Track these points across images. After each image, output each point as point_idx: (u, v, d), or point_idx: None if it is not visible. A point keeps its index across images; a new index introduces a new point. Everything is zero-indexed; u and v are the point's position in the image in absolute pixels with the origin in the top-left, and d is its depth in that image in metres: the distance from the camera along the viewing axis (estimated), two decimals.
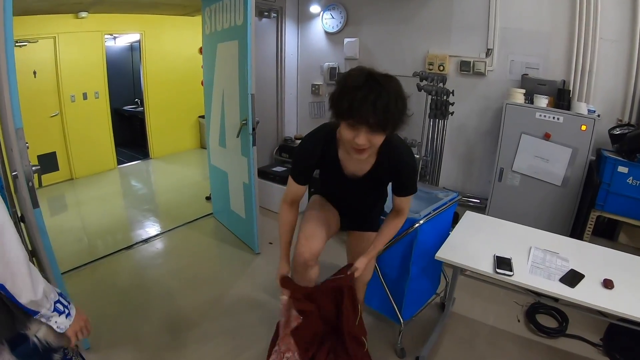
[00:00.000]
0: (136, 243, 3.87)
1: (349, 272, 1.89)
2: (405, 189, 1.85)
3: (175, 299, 3.04)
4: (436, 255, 2.13)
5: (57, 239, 3.83)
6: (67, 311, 1.33)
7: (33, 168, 2.02)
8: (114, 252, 3.68)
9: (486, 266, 2.05)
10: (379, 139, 1.52)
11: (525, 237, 2.41)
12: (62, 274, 3.16)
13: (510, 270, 2.00)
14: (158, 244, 3.91)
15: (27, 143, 1.97)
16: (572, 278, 1.97)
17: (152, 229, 4.23)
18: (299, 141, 4.36)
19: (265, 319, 2.74)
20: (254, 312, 2.87)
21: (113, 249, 3.73)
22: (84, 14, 5.34)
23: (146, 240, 3.93)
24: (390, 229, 1.97)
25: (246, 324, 2.73)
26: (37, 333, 1.28)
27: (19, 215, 2.03)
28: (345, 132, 1.53)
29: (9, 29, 1.83)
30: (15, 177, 1.95)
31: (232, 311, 2.88)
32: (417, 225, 2.28)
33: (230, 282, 3.26)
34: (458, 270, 2.47)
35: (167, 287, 3.18)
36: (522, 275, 2.00)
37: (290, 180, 1.93)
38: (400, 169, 1.77)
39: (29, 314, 1.24)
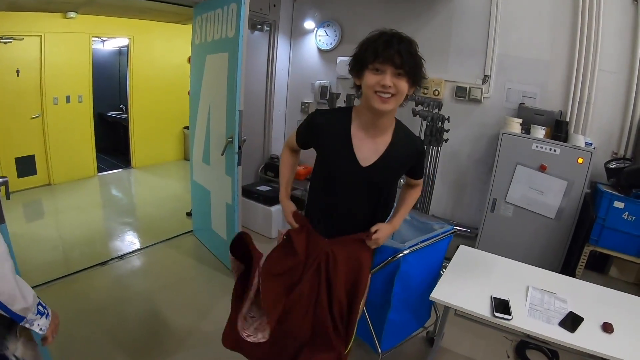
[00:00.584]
0: (112, 259, 3.67)
1: (368, 233, 1.79)
2: (417, 172, 1.92)
3: (151, 323, 2.87)
4: (431, 295, 2.02)
5: (30, 248, 3.69)
6: (46, 312, 1.33)
7: None
8: (88, 267, 3.48)
9: (483, 308, 1.95)
10: (403, 86, 1.54)
11: (521, 275, 2.33)
12: (33, 287, 2.99)
13: (509, 313, 1.91)
14: (135, 261, 3.72)
15: None
16: (572, 322, 1.91)
17: (129, 244, 4.04)
18: None
19: None
20: None
21: (88, 263, 3.53)
22: (72, 14, 5.19)
23: (122, 257, 3.74)
24: (412, 195, 2.00)
25: (224, 355, 2.55)
26: (15, 352, 1.27)
27: None
28: (370, 79, 1.55)
29: None
30: None
31: (210, 339, 2.68)
32: (400, 255, 2.14)
33: (209, 307, 3.08)
34: (449, 309, 2.36)
35: (142, 309, 3.01)
36: (521, 318, 1.91)
37: (294, 132, 1.97)
38: (413, 153, 1.79)
39: (13, 321, 1.23)
